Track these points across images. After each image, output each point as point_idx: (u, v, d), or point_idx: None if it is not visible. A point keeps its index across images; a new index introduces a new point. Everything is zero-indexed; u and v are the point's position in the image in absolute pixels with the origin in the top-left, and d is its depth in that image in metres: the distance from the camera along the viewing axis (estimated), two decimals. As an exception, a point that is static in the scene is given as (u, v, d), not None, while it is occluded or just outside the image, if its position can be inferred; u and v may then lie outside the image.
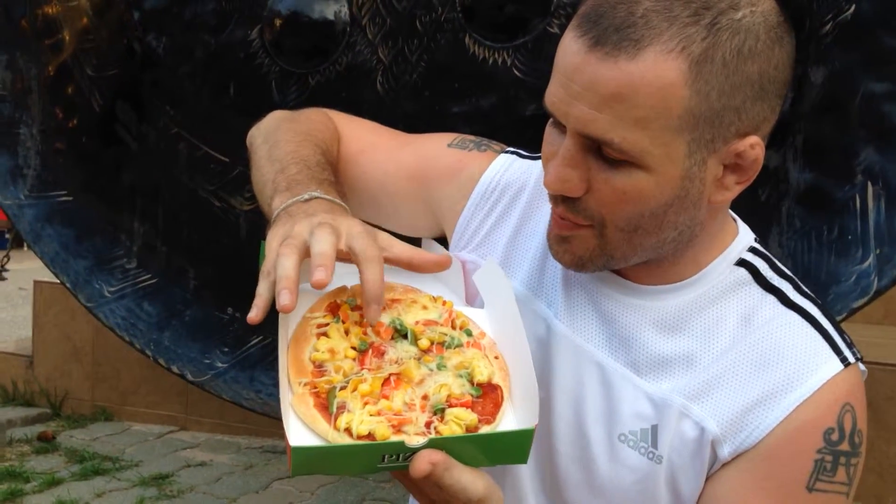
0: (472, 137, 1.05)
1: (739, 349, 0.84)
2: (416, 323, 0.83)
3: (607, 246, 0.82)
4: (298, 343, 0.81)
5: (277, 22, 1.69)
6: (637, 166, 0.77)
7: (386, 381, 0.78)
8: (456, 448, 0.73)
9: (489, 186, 0.98)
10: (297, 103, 1.69)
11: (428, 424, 0.74)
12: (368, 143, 1.07)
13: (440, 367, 0.80)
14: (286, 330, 0.82)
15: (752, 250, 0.89)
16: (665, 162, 0.77)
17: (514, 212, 0.96)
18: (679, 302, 0.87)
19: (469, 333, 0.84)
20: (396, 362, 0.79)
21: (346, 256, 0.80)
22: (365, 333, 0.81)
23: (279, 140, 1.01)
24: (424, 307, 0.85)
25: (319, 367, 0.78)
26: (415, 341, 0.81)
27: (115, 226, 1.91)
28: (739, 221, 0.91)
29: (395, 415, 0.75)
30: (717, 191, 0.81)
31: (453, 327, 0.85)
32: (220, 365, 1.83)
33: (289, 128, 1.04)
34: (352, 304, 0.83)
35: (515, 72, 1.54)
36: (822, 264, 1.37)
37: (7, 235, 4.35)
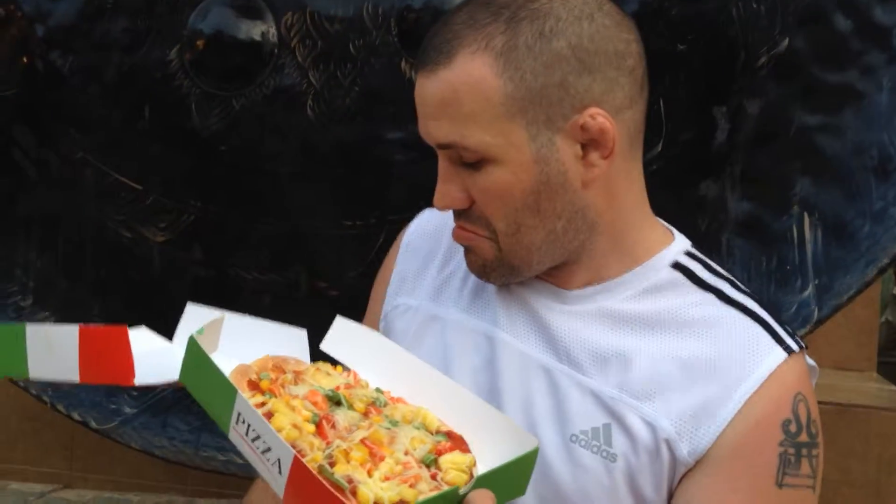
0: None
1: (680, 347, 0.84)
2: (337, 388, 0.79)
3: (504, 254, 0.86)
4: None
5: (199, 42, 1.60)
6: (490, 161, 0.83)
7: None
8: (495, 485, 0.69)
9: (411, 239, 1.02)
10: (220, 127, 1.60)
11: (433, 477, 0.70)
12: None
13: (393, 423, 0.75)
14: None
15: (689, 254, 0.89)
16: (511, 150, 0.83)
17: (439, 249, 0.99)
18: (613, 300, 0.87)
19: (380, 391, 0.81)
20: (350, 429, 0.74)
21: None
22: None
23: None
24: (328, 374, 0.81)
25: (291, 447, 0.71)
26: (350, 406, 0.77)
27: (7, 260, 1.75)
28: (676, 231, 0.92)
29: (404, 473, 0.70)
30: (587, 170, 0.84)
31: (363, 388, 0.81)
32: (127, 410, 1.68)
33: None
34: (267, 378, 0.78)
35: (453, 98, 1.50)
36: (764, 294, 1.38)
37: None
